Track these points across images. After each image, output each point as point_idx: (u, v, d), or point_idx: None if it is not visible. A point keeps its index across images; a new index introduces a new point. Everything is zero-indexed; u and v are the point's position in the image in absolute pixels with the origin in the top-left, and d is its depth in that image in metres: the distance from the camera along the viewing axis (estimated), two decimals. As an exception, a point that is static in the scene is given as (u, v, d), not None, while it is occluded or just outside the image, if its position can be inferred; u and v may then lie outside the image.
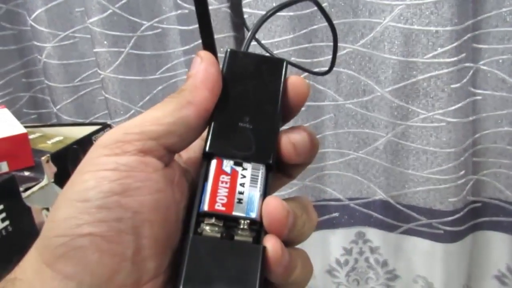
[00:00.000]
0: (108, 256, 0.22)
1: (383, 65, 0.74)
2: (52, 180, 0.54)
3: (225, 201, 0.24)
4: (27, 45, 0.98)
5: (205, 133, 0.26)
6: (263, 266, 0.23)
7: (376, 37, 0.74)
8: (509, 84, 0.73)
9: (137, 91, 0.86)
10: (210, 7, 0.43)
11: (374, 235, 0.86)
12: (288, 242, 0.25)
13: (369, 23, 0.74)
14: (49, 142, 0.63)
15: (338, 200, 0.85)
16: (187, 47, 0.84)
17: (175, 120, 0.24)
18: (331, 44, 0.33)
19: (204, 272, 0.23)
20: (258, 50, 0.36)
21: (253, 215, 0.24)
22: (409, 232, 0.83)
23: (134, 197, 0.23)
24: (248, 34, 0.28)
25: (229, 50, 0.28)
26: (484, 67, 0.74)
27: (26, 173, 0.55)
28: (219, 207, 0.24)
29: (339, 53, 0.76)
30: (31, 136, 0.62)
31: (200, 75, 0.26)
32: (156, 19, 0.84)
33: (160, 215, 0.24)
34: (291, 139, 0.26)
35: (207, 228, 0.24)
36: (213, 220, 0.24)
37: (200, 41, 0.27)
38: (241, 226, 0.24)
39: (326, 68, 0.34)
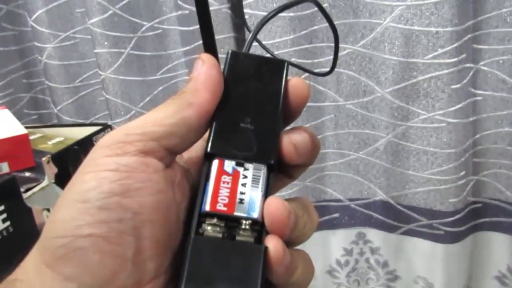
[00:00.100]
0: (108, 257, 0.22)
1: (383, 66, 0.74)
2: (53, 180, 0.54)
3: (226, 201, 0.24)
4: (28, 46, 0.98)
5: (206, 134, 0.26)
6: (265, 266, 0.23)
7: (377, 38, 0.74)
8: (510, 85, 0.73)
9: (137, 91, 0.86)
10: (210, 8, 0.43)
11: (374, 235, 0.86)
12: (290, 243, 0.25)
13: (369, 23, 0.74)
14: (50, 142, 0.63)
15: (339, 200, 0.85)
16: (187, 47, 0.84)
17: (176, 121, 0.24)
18: (332, 44, 0.33)
19: (205, 272, 0.23)
20: (259, 51, 0.36)
21: (255, 215, 0.24)
22: (410, 232, 0.83)
23: (135, 198, 0.23)
24: (249, 35, 0.28)
25: (230, 51, 0.28)
26: (485, 68, 0.74)
27: (27, 174, 0.55)
28: (220, 207, 0.24)
29: (339, 54, 0.76)
30: (31, 137, 0.62)
31: (202, 77, 0.26)
32: (157, 20, 0.84)
33: (160, 215, 0.24)
34: (292, 140, 0.26)
35: (209, 228, 0.24)
36: (214, 220, 0.24)
37: (200, 41, 0.27)
38: (243, 226, 0.24)
39: (327, 69, 0.34)
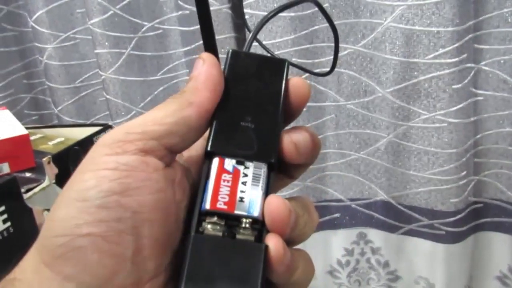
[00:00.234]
0: (107, 257, 0.22)
1: (384, 66, 0.74)
2: (53, 181, 0.54)
3: (227, 199, 0.24)
4: (28, 47, 0.98)
5: (207, 133, 0.26)
6: (265, 265, 0.23)
7: (377, 38, 0.74)
8: (511, 85, 0.73)
9: (138, 92, 0.86)
10: (211, 8, 0.43)
11: (375, 236, 0.86)
12: (290, 242, 0.25)
13: (370, 23, 0.74)
14: (50, 143, 0.63)
15: (340, 200, 0.85)
16: (188, 48, 0.84)
17: (176, 120, 0.24)
18: (332, 44, 0.33)
19: (206, 270, 0.23)
20: (260, 51, 0.36)
21: (255, 213, 0.24)
22: (411, 233, 0.83)
23: (134, 197, 0.23)
24: (249, 35, 0.28)
25: (231, 50, 0.28)
26: (486, 68, 0.74)
27: (28, 174, 0.55)
28: (221, 205, 0.24)
29: (340, 54, 0.76)
30: (32, 137, 0.62)
31: (202, 77, 0.26)
32: (157, 20, 0.84)
33: (160, 215, 0.24)
34: (293, 139, 0.26)
35: (209, 226, 0.24)
36: (215, 219, 0.24)
37: (201, 42, 0.27)
38: (243, 225, 0.24)
39: (327, 69, 0.34)
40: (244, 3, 0.74)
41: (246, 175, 0.25)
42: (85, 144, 0.60)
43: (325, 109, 0.80)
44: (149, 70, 0.86)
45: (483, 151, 0.78)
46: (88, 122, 0.95)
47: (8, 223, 0.49)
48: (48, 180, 0.54)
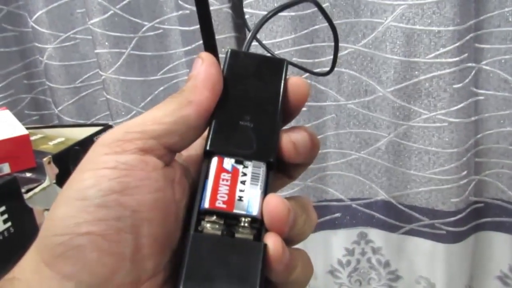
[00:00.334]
0: (107, 255, 0.22)
1: (385, 65, 0.74)
2: (54, 181, 0.54)
3: (226, 198, 0.24)
4: (28, 47, 0.98)
5: (206, 132, 0.26)
6: (264, 264, 0.23)
7: (378, 37, 0.74)
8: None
9: (138, 92, 0.86)
10: (211, 8, 0.43)
11: (376, 235, 0.86)
12: (289, 241, 0.25)
13: (370, 23, 0.74)
14: (51, 143, 0.63)
15: (340, 200, 0.85)
16: (188, 47, 0.84)
17: (175, 119, 0.24)
18: (333, 44, 0.33)
19: (205, 269, 0.23)
20: (260, 51, 0.36)
21: (254, 212, 0.24)
22: (411, 232, 0.83)
23: (133, 196, 0.23)
24: (249, 35, 0.28)
25: (230, 50, 0.28)
26: (487, 67, 0.74)
27: (28, 175, 0.55)
28: (220, 204, 0.24)
29: (340, 53, 0.76)
30: (32, 138, 0.62)
31: (201, 76, 0.26)
32: (157, 20, 0.84)
33: (159, 214, 0.24)
34: (291, 138, 0.26)
35: (208, 225, 0.24)
36: (214, 218, 0.24)
37: (201, 41, 0.27)
38: (242, 224, 0.24)
39: (328, 69, 0.34)
40: (244, 2, 0.74)
41: (245, 174, 0.25)
42: (86, 144, 0.60)
43: (326, 109, 0.80)
44: (149, 70, 0.86)
45: (483, 150, 0.78)
46: (89, 122, 0.95)
47: (9, 223, 0.49)
48: (48, 180, 0.54)
